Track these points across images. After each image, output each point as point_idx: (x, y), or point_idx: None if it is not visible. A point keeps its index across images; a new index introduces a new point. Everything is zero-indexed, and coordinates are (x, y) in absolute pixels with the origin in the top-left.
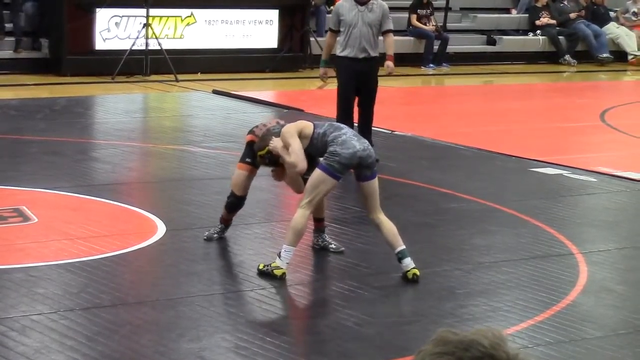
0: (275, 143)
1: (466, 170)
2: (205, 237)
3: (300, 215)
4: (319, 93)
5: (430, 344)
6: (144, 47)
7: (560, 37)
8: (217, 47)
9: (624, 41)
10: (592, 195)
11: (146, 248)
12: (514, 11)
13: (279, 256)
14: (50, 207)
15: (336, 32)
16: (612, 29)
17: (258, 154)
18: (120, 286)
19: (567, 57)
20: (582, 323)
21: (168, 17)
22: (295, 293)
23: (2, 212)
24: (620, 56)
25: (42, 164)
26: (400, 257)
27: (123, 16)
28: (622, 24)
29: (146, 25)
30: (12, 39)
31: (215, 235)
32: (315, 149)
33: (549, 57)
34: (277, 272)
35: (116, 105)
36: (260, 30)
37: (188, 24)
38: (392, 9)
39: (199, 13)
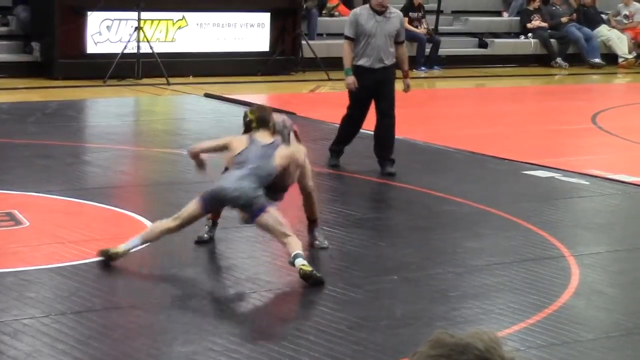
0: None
1: (458, 173)
2: (196, 240)
3: (164, 221)
4: (311, 96)
5: (427, 345)
6: (135, 51)
7: (551, 40)
8: (208, 50)
9: (615, 44)
10: (584, 198)
11: (138, 252)
12: (505, 14)
13: None
14: (41, 210)
15: (353, 40)
16: (604, 32)
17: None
18: (112, 290)
19: (559, 60)
20: (574, 325)
21: (160, 20)
22: (286, 296)
23: None
24: (611, 59)
25: (34, 168)
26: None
27: (115, 19)
28: (613, 27)
29: (138, 28)
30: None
31: (206, 236)
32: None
33: (541, 60)
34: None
35: (108, 108)
36: (252, 33)
37: (180, 27)
38: None
39: (191, 16)
